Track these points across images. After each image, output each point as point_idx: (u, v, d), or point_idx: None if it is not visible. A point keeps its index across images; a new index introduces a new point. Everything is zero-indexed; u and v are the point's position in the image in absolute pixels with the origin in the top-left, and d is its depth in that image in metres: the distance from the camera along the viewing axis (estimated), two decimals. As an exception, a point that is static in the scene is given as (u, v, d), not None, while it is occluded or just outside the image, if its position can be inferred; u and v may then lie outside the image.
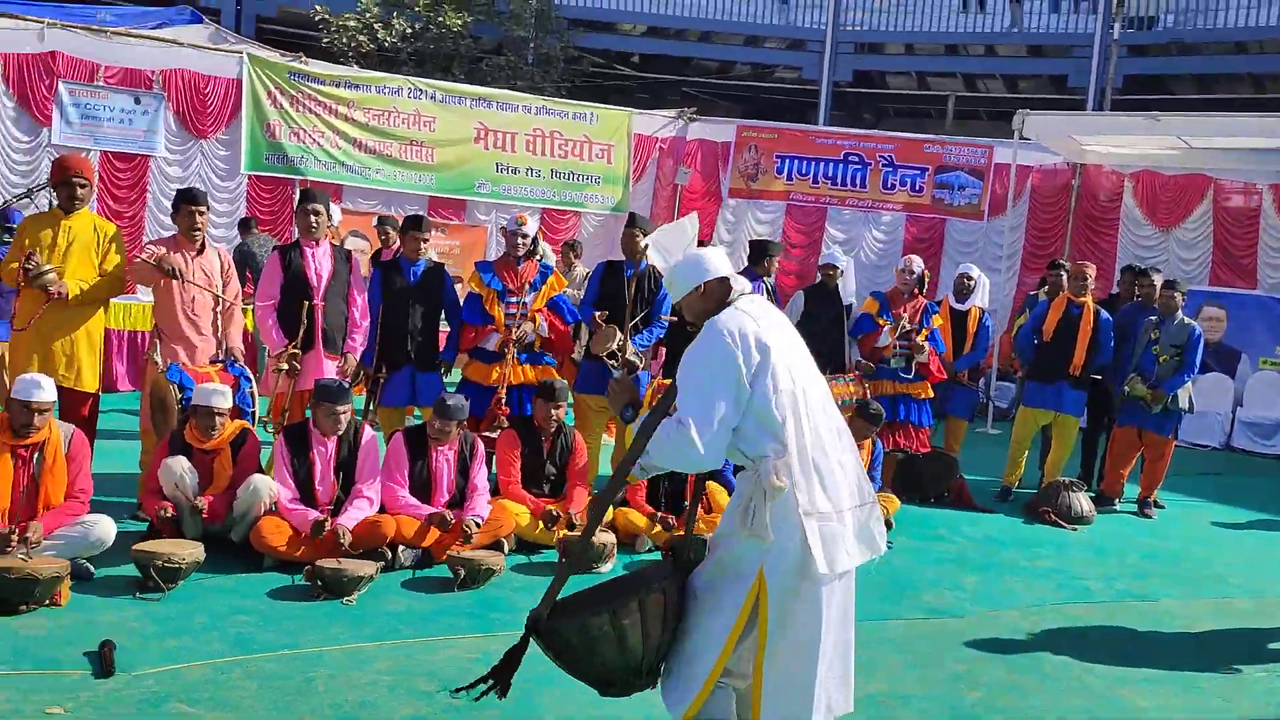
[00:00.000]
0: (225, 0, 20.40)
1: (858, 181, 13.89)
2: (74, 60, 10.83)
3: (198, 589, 4.68)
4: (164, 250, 5.68)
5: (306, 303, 5.85)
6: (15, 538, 4.44)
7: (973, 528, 7.11)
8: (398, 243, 7.88)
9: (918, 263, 7.79)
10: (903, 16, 21.45)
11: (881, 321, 7.64)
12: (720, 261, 3.08)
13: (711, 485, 6.18)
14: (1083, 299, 7.71)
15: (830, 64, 21.97)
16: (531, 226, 6.57)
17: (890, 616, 5.18)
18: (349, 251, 6.26)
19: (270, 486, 5.11)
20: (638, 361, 6.63)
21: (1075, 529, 7.25)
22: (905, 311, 7.58)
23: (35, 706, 3.49)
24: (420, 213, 11.54)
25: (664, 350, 7.33)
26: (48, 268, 5.32)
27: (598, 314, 6.52)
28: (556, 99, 14.66)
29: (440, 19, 19.25)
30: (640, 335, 6.66)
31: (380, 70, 18.95)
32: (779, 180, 14.08)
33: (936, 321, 7.69)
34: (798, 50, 22.77)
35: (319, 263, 6.00)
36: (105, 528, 4.74)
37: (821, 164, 13.97)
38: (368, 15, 19.13)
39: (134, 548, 4.70)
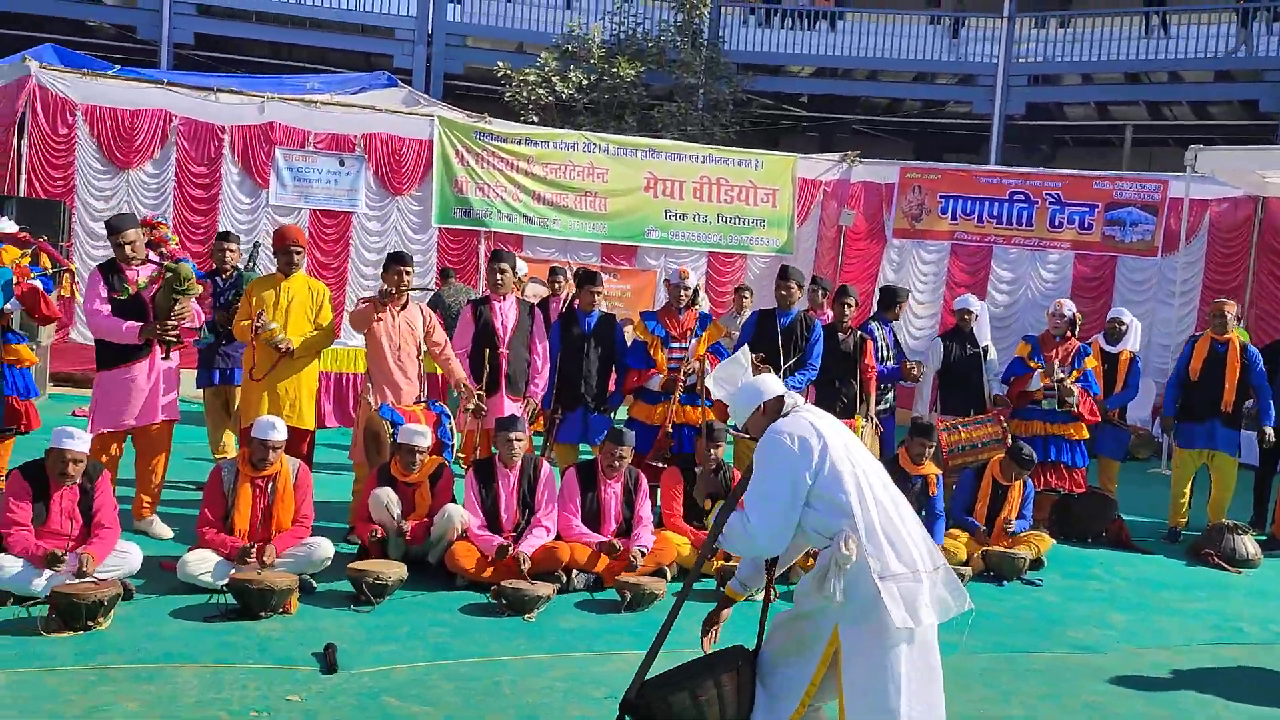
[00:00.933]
0: (416, 60, 21.96)
1: (1024, 220, 13.89)
2: (289, 129, 12.08)
3: (401, 603, 5.37)
4: (371, 304, 6.48)
5: (490, 350, 6.55)
6: (254, 555, 5.25)
7: (1129, 568, 7.19)
8: (566, 290, 8.61)
9: (1069, 306, 7.95)
10: (1080, 45, 21.13)
11: (1033, 364, 7.82)
12: (773, 384, 3.55)
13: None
14: (1226, 336, 7.71)
15: (1002, 98, 21.83)
16: (693, 279, 7.10)
17: (1033, 650, 5.41)
18: (532, 304, 6.95)
19: (462, 515, 5.79)
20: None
21: (1239, 572, 7.22)
22: (1057, 355, 7.75)
23: (278, 694, 4.19)
24: (594, 267, 12.39)
25: (814, 392, 7.71)
26: (273, 324, 6.19)
27: (753, 356, 6.98)
28: (722, 148, 15.22)
29: (614, 70, 20.14)
30: (793, 378, 7.09)
31: (557, 119, 20.11)
32: (943, 220, 14.22)
33: (1090, 364, 7.81)
34: (968, 85, 22.70)
35: (505, 315, 6.72)
36: (325, 549, 5.50)
37: (986, 203, 14.05)
38: (546, 69, 20.22)
39: (349, 566, 5.44)
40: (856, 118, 25.80)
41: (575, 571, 5.78)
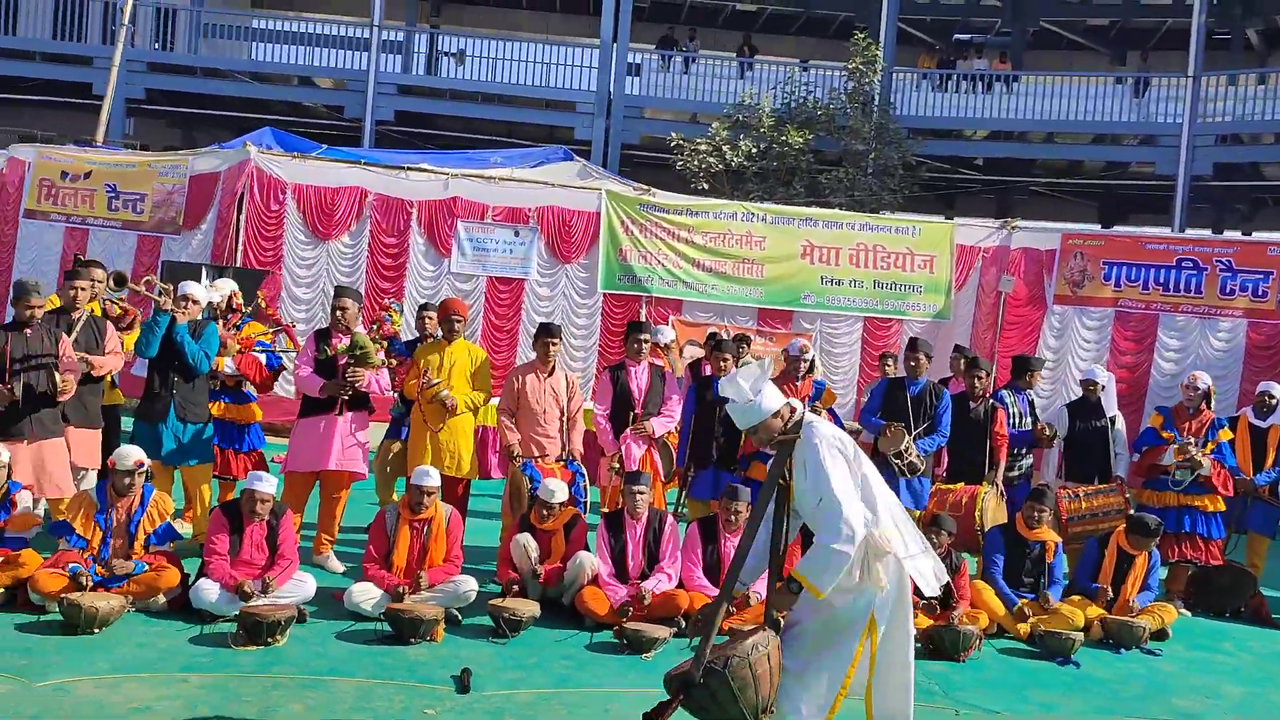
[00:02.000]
0: (596, 132, 23.17)
1: (1192, 287, 13.60)
2: (469, 203, 13.18)
3: (533, 637, 5.98)
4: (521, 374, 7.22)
5: (627, 411, 7.17)
6: (408, 589, 5.98)
7: (1262, 644, 7.10)
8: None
9: (1204, 379, 7.95)
10: (1274, 102, 20.41)
11: (1166, 435, 7.84)
12: (780, 395, 4.04)
13: (977, 583, 6.79)
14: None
15: (1187, 158, 21.25)
16: (812, 352, 7.54)
17: (1132, 714, 5.53)
18: (663, 369, 7.54)
19: (592, 562, 6.38)
20: (919, 464, 7.37)
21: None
22: (1190, 428, 7.75)
23: (418, 708, 4.86)
24: (750, 330, 12.91)
25: (946, 457, 7.96)
26: (437, 380, 7.00)
27: (894, 424, 7.36)
28: (879, 215, 15.54)
29: (783, 138, 20.73)
30: (922, 442, 7.41)
31: (727, 186, 20.83)
32: (1106, 287, 14.06)
33: (1224, 435, 7.78)
34: (1152, 146, 22.20)
35: (639, 379, 7.34)
36: (470, 586, 6.19)
37: (1152, 270, 13.83)
38: (717, 138, 21.00)
39: (489, 603, 6.10)
40: (1034, 180, 25.53)
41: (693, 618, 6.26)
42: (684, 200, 14.40)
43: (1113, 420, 8.18)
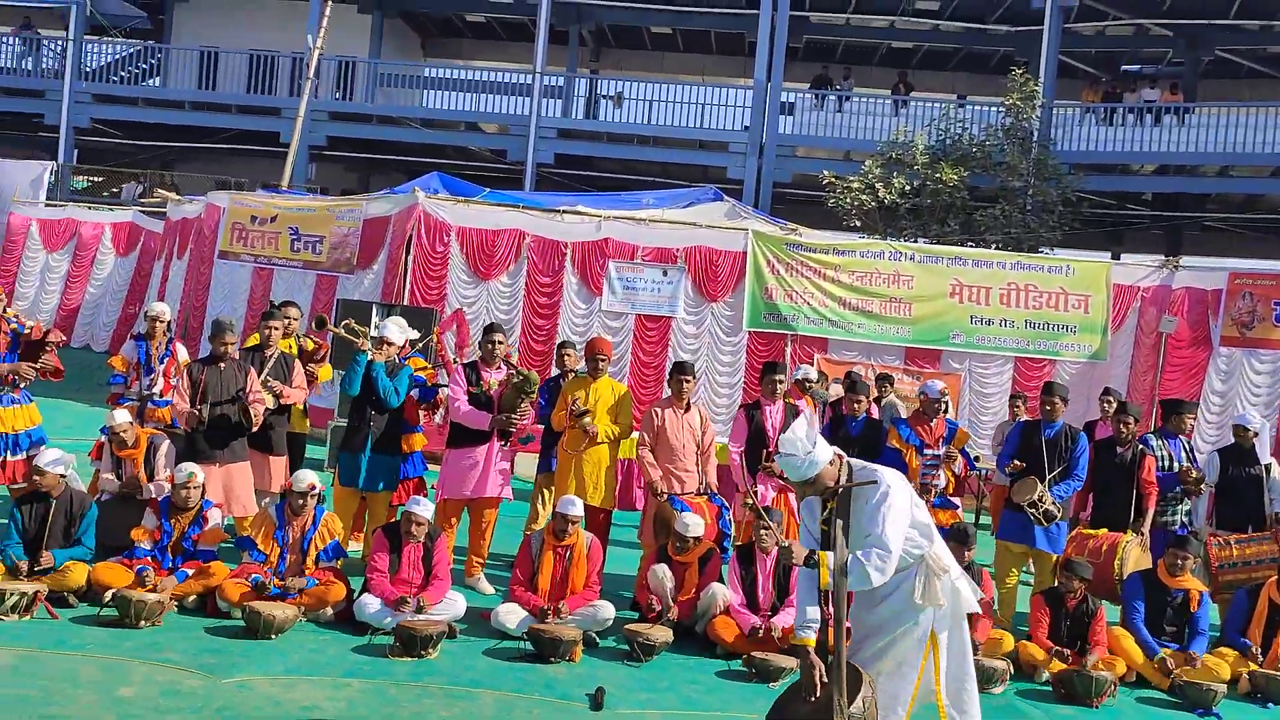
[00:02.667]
0: (748, 171, 23.54)
1: (1372, 329, 12.94)
2: (620, 244, 13.68)
3: (666, 662, 6.28)
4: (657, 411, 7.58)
5: (762, 449, 7.43)
6: (552, 612, 6.38)
7: None
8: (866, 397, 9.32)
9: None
10: None
11: (1324, 483, 7.59)
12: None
13: (1116, 630, 6.75)
14: None
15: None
16: (948, 394, 7.63)
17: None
18: (796, 407, 7.76)
19: (724, 593, 6.65)
20: (1056, 511, 7.36)
21: None
22: (1350, 474, 7.48)
23: (552, 721, 5.24)
24: (896, 369, 12.96)
25: (1091, 502, 7.89)
26: (585, 409, 7.42)
27: (1016, 463, 7.39)
28: (1031, 255, 15.31)
29: (937, 175, 20.60)
30: (1059, 487, 7.39)
31: (880, 224, 20.82)
32: (1278, 329, 13.50)
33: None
34: (1338, 176, 21.16)
35: (774, 417, 7.59)
36: (608, 611, 6.54)
37: (1328, 311, 13.22)
38: (870, 176, 21.04)
39: (625, 627, 6.43)
40: (1207, 215, 24.58)
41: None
42: (830, 239, 14.56)
43: (1268, 468, 7.95)
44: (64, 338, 7.72)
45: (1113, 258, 25.42)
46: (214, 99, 24.50)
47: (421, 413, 7.83)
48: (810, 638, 4.20)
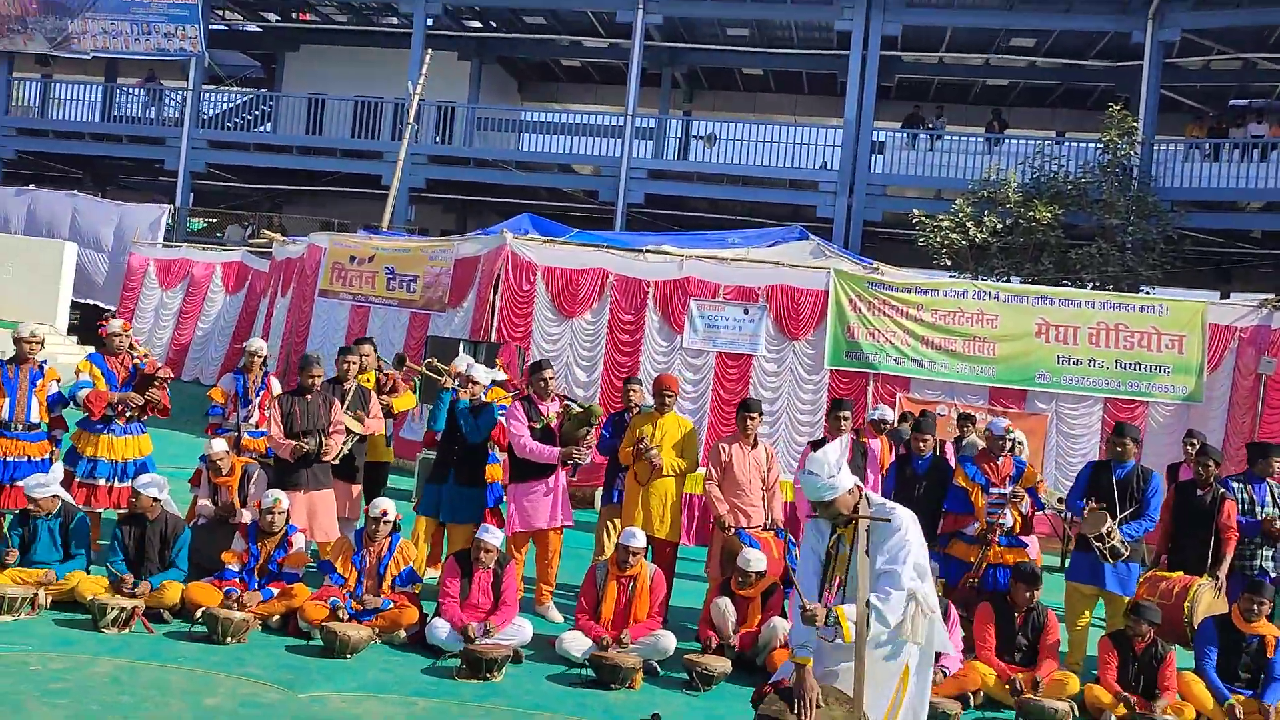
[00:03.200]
0: (838, 210, 23.59)
1: None
2: (702, 282, 13.90)
3: (724, 691, 6.40)
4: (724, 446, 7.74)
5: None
6: (614, 640, 6.56)
7: None
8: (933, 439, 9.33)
9: None
10: None
11: None
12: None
13: (1187, 675, 6.65)
14: None
15: None
16: (1017, 433, 7.63)
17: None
18: (865, 445, 7.84)
19: (784, 627, 6.73)
20: (1123, 549, 7.28)
21: None
22: None
23: (605, 743, 5.41)
24: (980, 409, 12.86)
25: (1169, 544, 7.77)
26: (655, 449, 7.62)
27: (1092, 504, 7.33)
28: (1121, 294, 15.06)
29: (1030, 213, 20.37)
30: (1129, 526, 7.31)
31: (971, 263, 20.66)
32: (1383, 370, 13.03)
33: None
34: None
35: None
36: (669, 641, 6.70)
37: None
38: (960, 215, 20.91)
39: (685, 657, 6.58)
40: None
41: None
42: (913, 278, 14.55)
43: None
44: (172, 374, 8.19)
45: (1222, 296, 24.73)
46: (320, 143, 25.56)
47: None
48: (808, 657, 4.30)
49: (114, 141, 25.89)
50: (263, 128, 27.06)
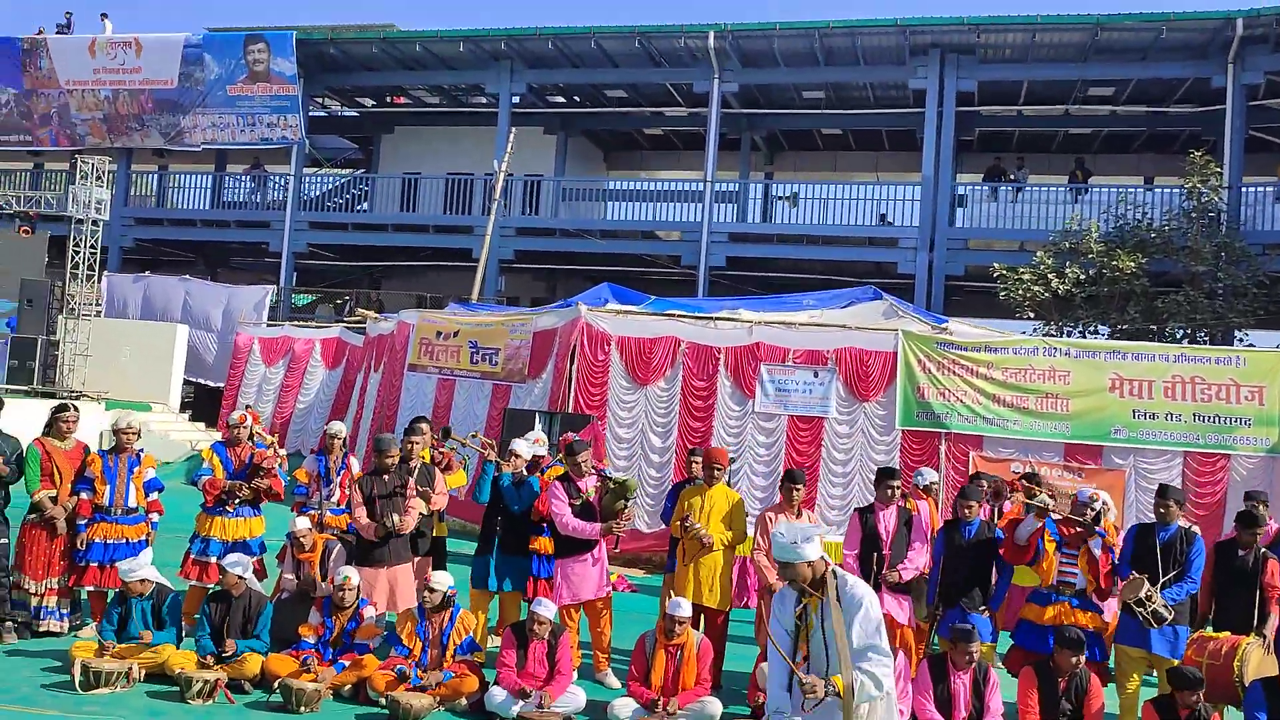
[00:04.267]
0: (919, 266, 23.64)
1: None
2: (772, 347, 14.19)
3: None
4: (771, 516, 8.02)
5: (875, 553, 7.73)
6: (663, 706, 6.86)
7: None
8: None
9: None
10: None
11: None
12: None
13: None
14: None
15: None
16: (1101, 501, 7.73)
17: None
18: (911, 513, 8.02)
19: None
20: (1166, 613, 7.30)
21: None
22: None
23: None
24: (1056, 466, 12.84)
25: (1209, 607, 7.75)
26: (699, 526, 7.94)
27: (1134, 575, 7.39)
28: (1197, 346, 14.86)
29: (1114, 263, 20.17)
30: (1171, 589, 7.34)
31: (1054, 315, 20.51)
32: None
33: None
34: None
35: (887, 522, 7.89)
36: (715, 707, 6.98)
37: None
38: (1042, 266, 20.81)
39: (731, 723, 6.85)
40: None
41: (919, 750, 6.66)
42: (982, 337, 14.61)
43: None
44: (280, 462, 8.84)
45: (1326, 340, 23.94)
46: (413, 220, 26.70)
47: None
48: None
49: (223, 227, 27.46)
50: (361, 207, 28.37)
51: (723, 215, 25.92)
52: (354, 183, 28.84)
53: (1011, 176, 25.92)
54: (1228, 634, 7.46)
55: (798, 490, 7.96)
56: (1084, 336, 20.56)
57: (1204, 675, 6.98)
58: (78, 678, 6.96)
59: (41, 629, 8.15)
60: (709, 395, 14.32)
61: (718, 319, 14.68)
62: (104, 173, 20.43)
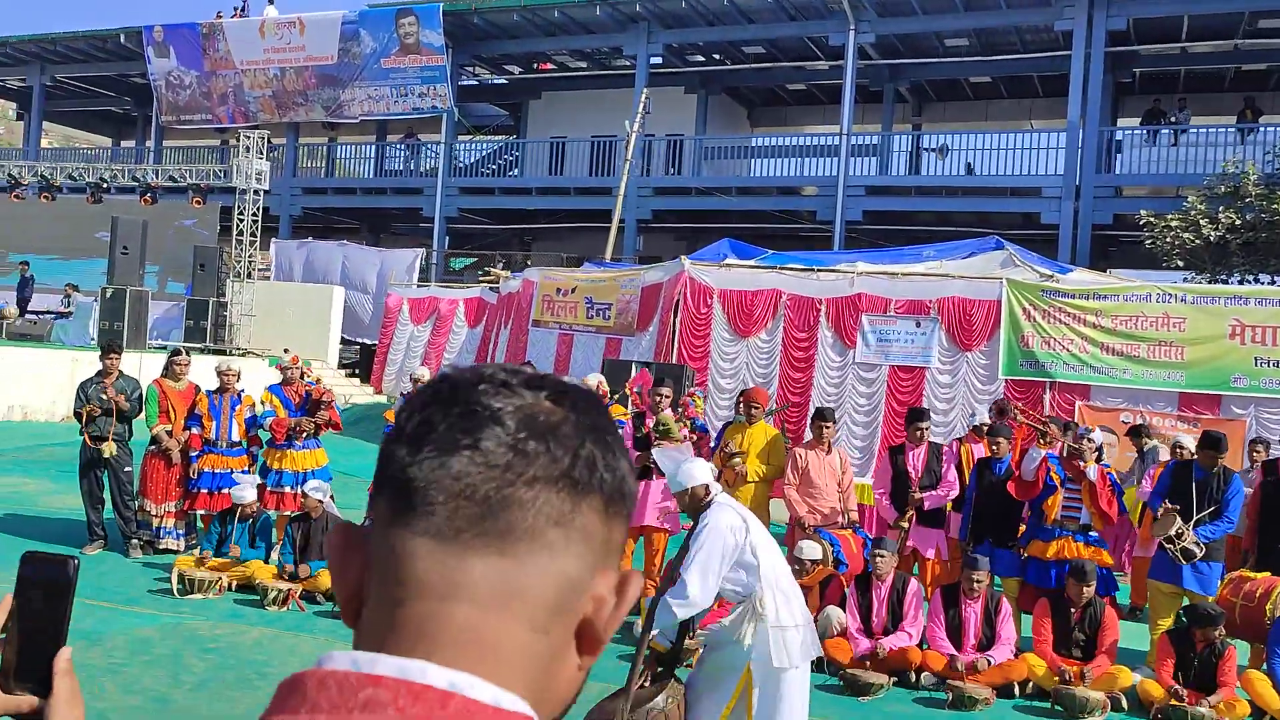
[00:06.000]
0: (1064, 216, 22.82)
1: None
2: (873, 298, 14.22)
3: (773, 675, 6.98)
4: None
5: (904, 489, 7.91)
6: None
7: None
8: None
9: None
10: None
11: None
12: (704, 472, 4.79)
13: (1255, 674, 6.58)
14: None
15: None
16: (1098, 436, 7.70)
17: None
18: (941, 448, 8.13)
19: (840, 616, 7.22)
20: (1196, 550, 7.21)
21: None
22: None
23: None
24: (1170, 415, 12.51)
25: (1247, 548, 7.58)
26: (738, 452, 8.30)
27: (1166, 504, 7.32)
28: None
29: (1273, 206, 19.05)
30: (1205, 527, 7.24)
31: (1206, 262, 19.54)
32: None
33: None
34: None
35: (916, 461, 8.04)
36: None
37: None
38: (1194, 213, 19.81)
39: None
40: None
41: (924, 673, 6.85)
42: (1089, 284, 14.21)
43: None
44: (332, 396, 9.69)
45: None
46: (557, 183, 27.54)
47: None
48: (663, 645, 4.92)
49: (380, 194, 29.04)
50: (513, 173, 29.43)
51: (863, 169, 25.65)
52: (505, 149, 29.91)
53: (1172, 119, 24.61)
54: (1266, 575, 7.31)
55: (827, 427, 8.19)
56: (1242, 284, 19.49)
57: (1237, 615, 6.93)
58: (175, 585, 7.95)
59: (161, 547, 9.24)
60: (809, 346, 14.48)
61: (819, 270, 14.80)
62: (263, 146, 22.02)
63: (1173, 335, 13.30)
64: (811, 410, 10.06)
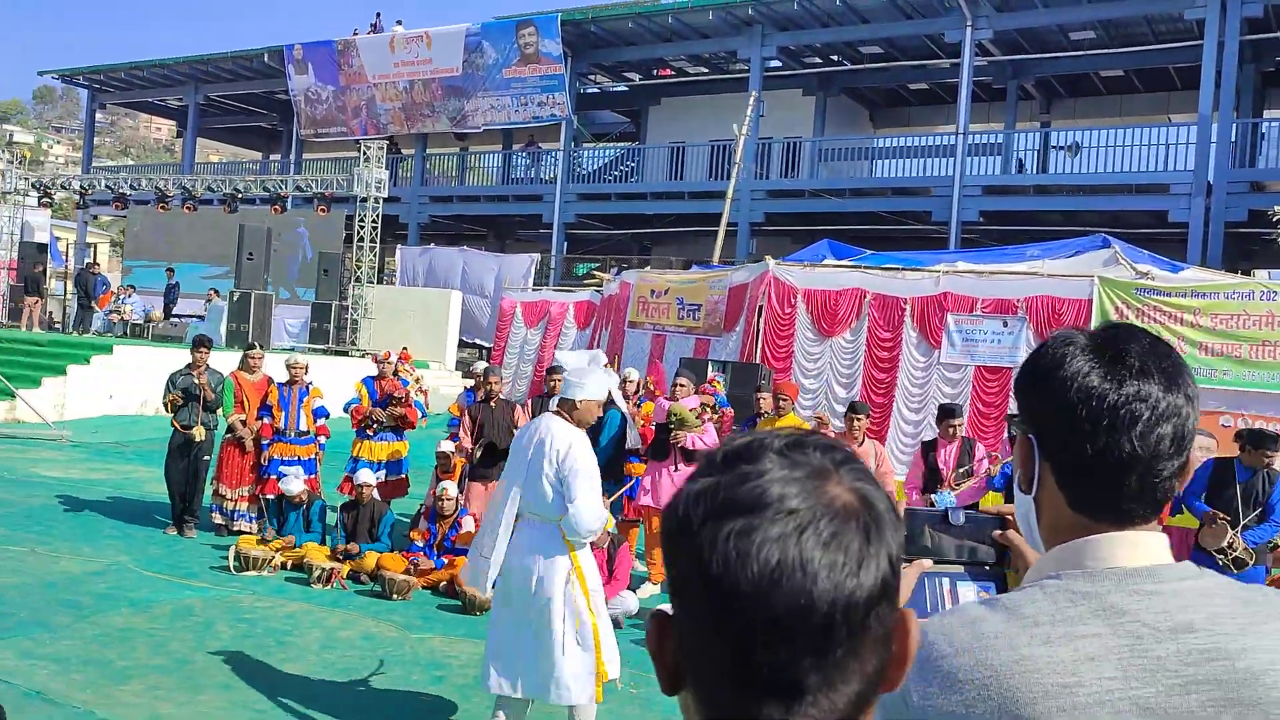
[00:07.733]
0: (1194, 213, 21.76)
1: None
2: (959, 297, 13.94)
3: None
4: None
5: (934, 486, 7.80)
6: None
7: None
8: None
9: None
10: None
11: None
12: (608, 385, 4.92)
13: None
14: None
15: None
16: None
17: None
18: (973, 443, 7.98)
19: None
20: (1247, 559, 6.91)
21: None
22: None
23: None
24: (1271, 419, 11.84)
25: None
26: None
27: (1214, 513, 7.02)
28: None
29: None
30: (1253, 531, 6.91)
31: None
32: None
33: None
34: None
35: (948, 456, 7.91)
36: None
37: None
38: (1331, 207, 18.69)
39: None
40: None
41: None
42: (1186, 282, 13.57)
43: None
44: (407, 396, 10.15)
45: None
46: (671, 188, 27.78)
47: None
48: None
49: (503, 201, 29.88)
50: (634, 179, 29.82)
51: (983, 169, 25.03)
52: (625, 156, 30.35)
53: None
54: (1310, 578, 6.93)
55: (858, 420, 8.14)
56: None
57: None
58: (233, 562, 8.49)
59: (235, 529, 9.86)
60: (894, 346, 14.29)
61: (904, 270, 14.58)
62: (382, 156, 22.99)
63: (1277, 335, 12.61)
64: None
